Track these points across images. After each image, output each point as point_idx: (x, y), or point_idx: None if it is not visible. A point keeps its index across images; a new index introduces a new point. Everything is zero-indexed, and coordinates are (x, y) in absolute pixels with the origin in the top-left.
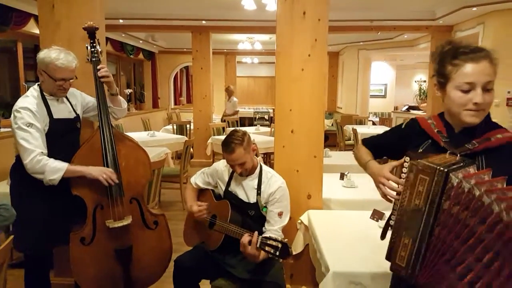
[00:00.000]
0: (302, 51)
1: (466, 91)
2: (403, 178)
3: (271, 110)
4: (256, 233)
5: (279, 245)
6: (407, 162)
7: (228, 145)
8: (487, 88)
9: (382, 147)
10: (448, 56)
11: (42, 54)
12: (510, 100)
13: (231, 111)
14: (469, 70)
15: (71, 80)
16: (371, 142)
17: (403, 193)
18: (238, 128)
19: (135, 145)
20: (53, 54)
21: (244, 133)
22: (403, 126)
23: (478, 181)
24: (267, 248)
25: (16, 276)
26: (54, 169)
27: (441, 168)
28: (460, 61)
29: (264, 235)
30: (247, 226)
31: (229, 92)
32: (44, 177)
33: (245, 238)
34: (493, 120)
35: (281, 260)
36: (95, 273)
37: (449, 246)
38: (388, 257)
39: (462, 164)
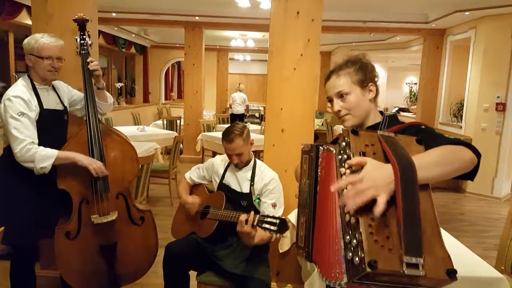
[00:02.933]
0: (294, 50)
1: (330, 103)
2: None
3: (262, 108)
4: (252, 212)
5: (277, 221)
6: None
7: (228, 135)
8: (341, 95)
9: None
10: None
11: (27, 39)
12: (499, 105)
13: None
14: (326, 87)
15: (60, 62)
16: None
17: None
18: (238, 122)
19: (123, 140)
20: (37, 35)
21: (244, 126)
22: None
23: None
24: (264, 225)
25: (2, 268)
26: (44, 157)
27: (313, 144)
28: None
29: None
30: None
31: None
32: (35, 166)
33: (243, 216)
34: (482, 124)
35: (278, 235)
36: (79, 267)
37: (325, 211)
38: (295, 242)
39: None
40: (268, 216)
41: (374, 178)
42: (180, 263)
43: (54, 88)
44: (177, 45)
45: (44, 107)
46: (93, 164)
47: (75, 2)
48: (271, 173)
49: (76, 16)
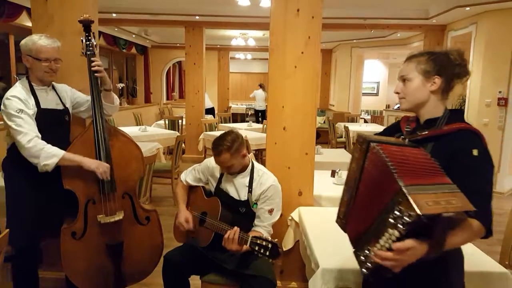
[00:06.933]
0: (295, 48)
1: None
2: None
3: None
4: (236, 228)
5: (269, 245)
6: None
7: (215, 147)
8: (404, 79)
9: None
10: None
11: (24, 40)
12: (501, 100)
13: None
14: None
15: (57, 64)
16: None
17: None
18: (233, 131)
19: (129, 140)
20: (35, 37)
21: (235, 138)
22: (392, 125)
23: (387, 147)
24: (257, 248)
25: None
26: (50, 154)
27: (366, 138)
28: None
29: (254, 229)
30: (237, 223)
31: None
32: (39, 162)
33: (227, 234)
34: (484, 119)
35: (270, 260)
36: (85, 267)
37: (364, 197)
38: (337, 215)
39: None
40: (260, 238)
41: (409, 260)
42: (179, 271)
43: (54, 89)
44: (178, 45)
45: (42, 106)
46: (100, 168)
47: (75, 3)
48: (270, 178)
49: (82, 17)
